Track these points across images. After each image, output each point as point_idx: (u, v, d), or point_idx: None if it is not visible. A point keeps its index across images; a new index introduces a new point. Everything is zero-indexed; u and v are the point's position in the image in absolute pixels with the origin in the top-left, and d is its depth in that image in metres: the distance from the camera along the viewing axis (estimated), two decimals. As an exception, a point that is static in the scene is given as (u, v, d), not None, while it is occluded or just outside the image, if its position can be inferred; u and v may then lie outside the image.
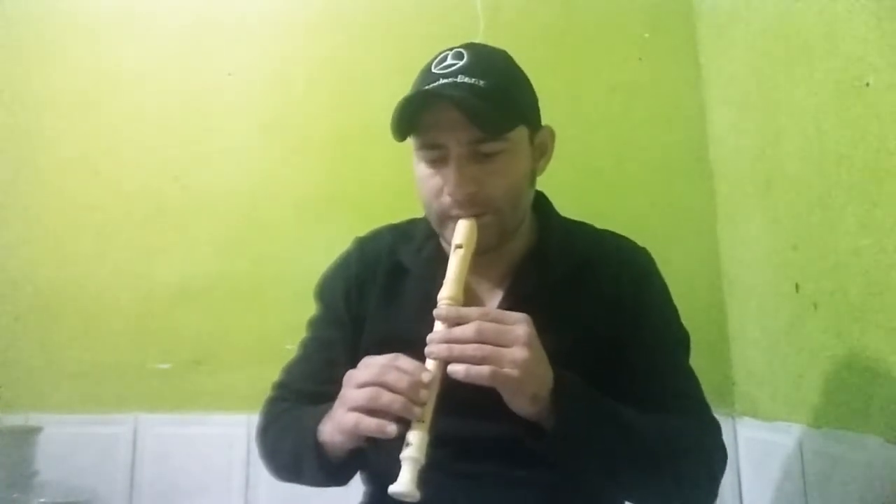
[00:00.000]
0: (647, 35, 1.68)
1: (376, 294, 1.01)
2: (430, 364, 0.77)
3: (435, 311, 0.80)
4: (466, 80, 0.87)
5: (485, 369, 0.74)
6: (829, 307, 1.12)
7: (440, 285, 0.84)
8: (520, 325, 0.77)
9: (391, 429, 0.75)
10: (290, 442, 0.92)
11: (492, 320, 0.78)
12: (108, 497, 1.55)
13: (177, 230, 1.69)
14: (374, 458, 0.96)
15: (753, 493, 1.41)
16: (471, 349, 0.75)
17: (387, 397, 0.75)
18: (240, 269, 1.66)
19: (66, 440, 1.56)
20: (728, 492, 1.44)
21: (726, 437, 0.94)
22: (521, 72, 0.96)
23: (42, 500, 1.43)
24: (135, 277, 1.67)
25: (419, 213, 1.01)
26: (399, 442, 0.75)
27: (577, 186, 1.59)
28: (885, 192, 0.96)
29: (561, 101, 1.62)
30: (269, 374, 1.06)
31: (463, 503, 0.90)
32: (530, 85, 0.96)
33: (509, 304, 0.93)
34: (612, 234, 1.05)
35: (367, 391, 0.76)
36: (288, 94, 1.73)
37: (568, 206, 1.08)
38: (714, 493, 0.89)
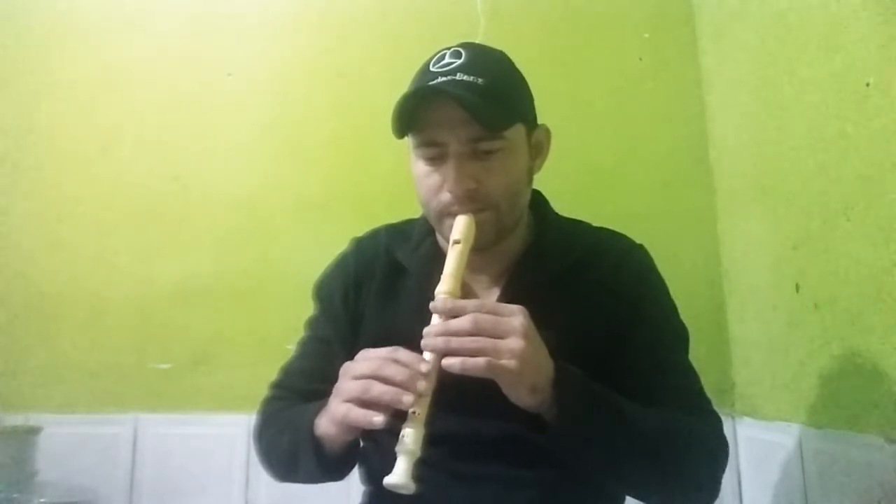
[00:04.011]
0: (647, 35, 1.68)
1: (374, 293, 1.01)
2: (427, 355, 0.78)
3: (431, 304, 0.81)
4: (465, 77, 0.87)
5: (481, 361, 0.74)
6: (829, 307, 1.12)
7: (437, 283, 0.84)
8: (516, 317, 0.78)
9: (377, 419, 0.75)
10: (287, 437, 0.92)
11: (488, 312, 0.78)
12: (109, 497, 1.55)
13: (177, 230, 1.69)
14: (373, 457, 0.96)
15: (753, 493, 1.41)
16: (468, 341, 0.75)
17: (377, 388, 0.75)
18: (240, 269, 1.66)
19: (66, 440, 1.56)
20: (728, 492, 1.44)
21: (726, 437, 0.94)
22: (518, 71, 0.97)
23: (42, 500, 1.43)
24: (135, 277, 1.67)
25: (419, 213, 1.01)
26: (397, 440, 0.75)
27: (577, 186, 1.60)
28: (884, 193, 0.96)
29: (561, 101, 1.63)
30: (269, 374, 1.06)
31: (463, 503, 0.90)
32: (527, 84, 0.97)
33: (506, 301, 0.92)
34: (609, 231, 1.05)
35: (361, 383, 0.77)
36: (288, 94, 1.74)
37: (568, 206, 1.08)
38: (716, 486, 0.89)
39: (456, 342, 0.75)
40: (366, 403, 0.76)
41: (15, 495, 1.42)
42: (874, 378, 0.99)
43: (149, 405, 1.61)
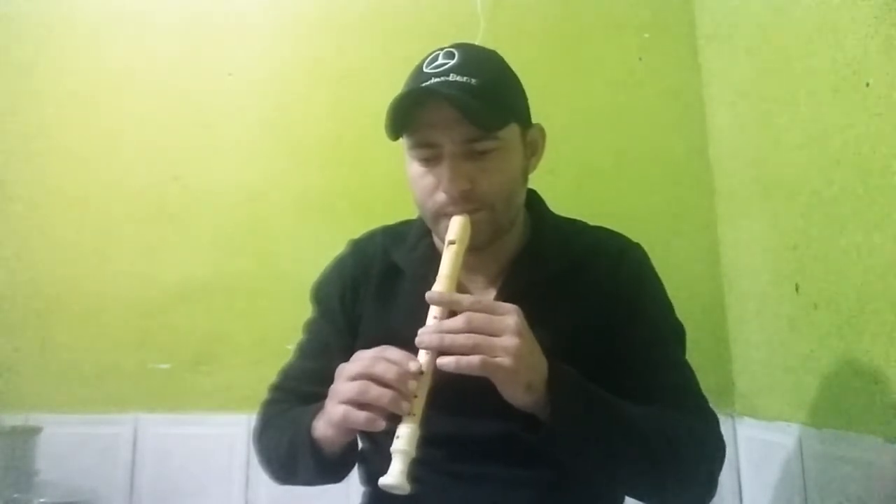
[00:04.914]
0: (647, 35, 1.68)
1: (371, 295, 1.02)
2: (422, 356, 0.78)
3: (427, 294, 0.81)
4: (458, 78, 0.87)
5: (475, 359, 0.74)
6: (829, 307, 1.12)
7: (432, 284, 0.84)
8: (510, 315, 0.78)
9: (380, 423, 0.75)
10: (286, 440, 0.92)
11: (482, 310, 0.78)
12: (109, 497, 1.55)
13: (177, 230, 1.69)
14: (372, 458, 0.96)
15: (753, 493, 1.41)
16: (462, 338, 0.75)
17: (375, 391, 0.75)
18: (240, 269, 1.66)
19: (66, 440, 1.56)
20: (728, 492, 1.44)
21: (726, 437, 0.94)
22: (511, 71, 0.97)
23: (42, 500, 1.43)
24: (135, 277, 1.67)
25: (418, 214, 1.01)
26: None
27: (577, 186, 1.60)
28: (884, 193, 0.96)
29: (561, 100, 1.63)
30: (269, 374, 1.07)
31: (460, 503, 0.90)
32: (520, 84, 0.97)
33: (503, 301, 0.92)
34: (605, 230, 1.05)
35: (357, 384, 0.77)
36: (288, 94, 1.73)
37: (568, 206, 1.08)
38: (713, 484, 0.89)
39: (449, 339, 0.75)
40: (363, 406, 0.76)
41: (15, 495, 1.42)
42: (874, 378, 0.99)
43: (149, 405, 1.61)
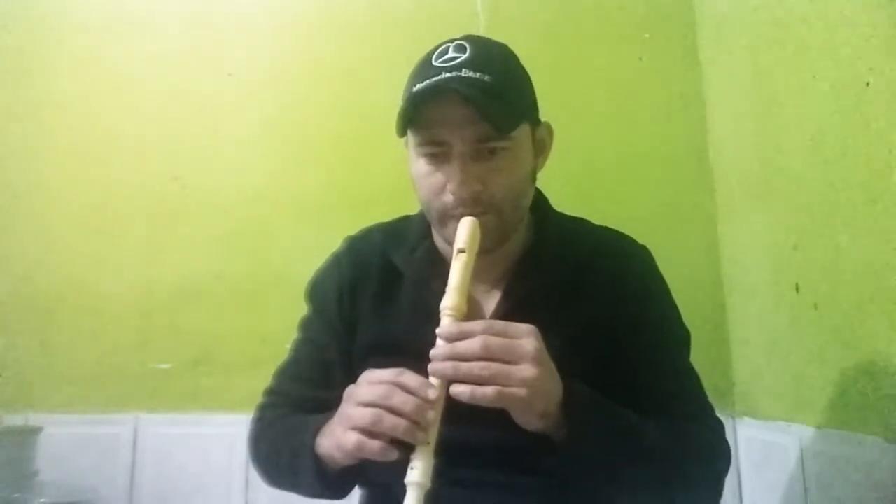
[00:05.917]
0: (647, 35, 1.68)
1: (369, 297, 0.98)
2: (434, 381, 0.74)
3: (437, 330, 0.77)
4: (471, 74, 0.83)
5: (490, 390, 0.71)
6: (829, 307, 1.12)
7: (435, 288, 0.81)
8: (528, 340, 0.74)
9: (394, 454, 0.72)
10: (287, 454, 0.89)
11: (497, 333, 0.74)
12: (109, 497, 1.55)
13: (177, 230, 1.69)
14: (371, 462, 0.95)
15: (753, 493, 1.41)
16: (477, 368, 0.71)
17: (390, 421, 0.72)
18: (240, 269, 1.66)
19: (66, 440, 1.56)
20: (728, 492, 1.41)
21: (726, 437, 0.94)
22: (522, 66, 0.93)
23: (42, 500, 1.43)
24: (135, 277, 1.67)
25: (418, 211, 1.00)
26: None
27: (577, 186, 1.59)
28: (885, 192, 0.96)
29: (561, 100, 1.62)
30: (269, 374, 1.06)
31: None
32: (530, 79, 0.94)
33: (508, 305, 0.91)
34: (611, 231, 1.03)
35: (370, 412, 0.73)
36: (288, 94, 1.73)
37: (568, 206, 1.07)
38: (719, 490, 0.89)
39: (465, 368, 0.72)
40: (376, 435, 0.73)
41: (15, 495, 1.42)
42: (874, 378, 0.99)
43: (149, 405, 1.61)
